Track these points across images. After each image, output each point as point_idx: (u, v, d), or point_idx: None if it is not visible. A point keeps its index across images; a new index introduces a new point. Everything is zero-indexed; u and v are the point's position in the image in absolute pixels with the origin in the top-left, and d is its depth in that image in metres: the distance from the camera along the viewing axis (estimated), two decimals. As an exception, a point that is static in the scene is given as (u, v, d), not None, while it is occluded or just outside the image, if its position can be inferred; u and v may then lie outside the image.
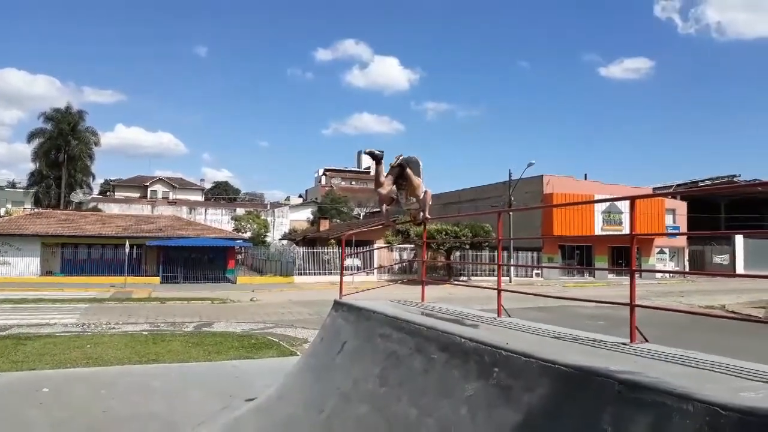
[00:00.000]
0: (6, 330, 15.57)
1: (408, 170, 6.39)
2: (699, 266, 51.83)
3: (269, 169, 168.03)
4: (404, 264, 40.58)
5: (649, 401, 3.06)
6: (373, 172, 6.59)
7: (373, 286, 14.17)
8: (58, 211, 45.74)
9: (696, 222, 49.62)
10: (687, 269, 51.16)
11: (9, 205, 62.56)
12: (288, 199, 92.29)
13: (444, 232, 38.95)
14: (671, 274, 46.68)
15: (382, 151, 6.53)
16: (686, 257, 52.24)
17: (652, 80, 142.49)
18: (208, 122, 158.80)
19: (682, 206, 51.40)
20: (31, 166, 60.73)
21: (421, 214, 6.57)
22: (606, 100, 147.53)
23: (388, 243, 40.63)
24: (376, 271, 38.99)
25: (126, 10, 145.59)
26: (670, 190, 51.99)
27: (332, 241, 41.91)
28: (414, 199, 6.56)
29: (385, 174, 6.55)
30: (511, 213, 38.25)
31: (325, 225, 50.40)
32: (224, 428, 6.77)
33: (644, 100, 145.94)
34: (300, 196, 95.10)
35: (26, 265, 37.22)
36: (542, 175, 44.94)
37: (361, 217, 64.87)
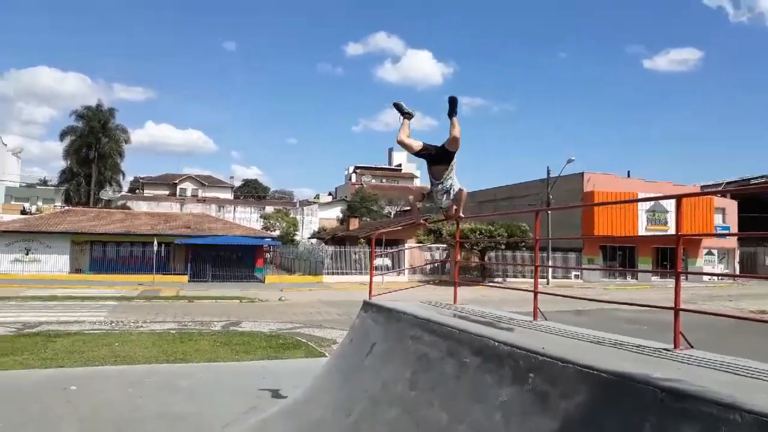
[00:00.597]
0: (36, 327, 16.03)
1: (453, 120, 6.16)
2: (751, 269, 50.52)
3: (299, 166, 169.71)
4: (436, 264, 40.31)
5: (693, 411, 2.99)
6: (402, 132, 6.27)
7: (404, 286, 14.17)
8: (88, 209, 46.91)
9: (748, 222, 48.30)
10: (737, 272, 49.79)
11: (40, 203, 64.37)
12: (317, 197, 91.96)
13: (478, 232, 38.76)
14: (719, 277, 45.64)
15: (413, 112, 6.38)
16: (737, 259, 50.97)
17: (700, 72, 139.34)
18: (237, 119, 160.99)
19: (732, 205, 50.17)
20: (63, 164, 62.50)
21: (454, 208, 6.47)
22: (651, 93, 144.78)
23: (420, 242, 40.62)
24: (406, 271, 38.87)
25: (155, 5, 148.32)
26: (720, 189, 50.79)
27: (362, 240, 42.04)
28: (446, 196, 6.39)
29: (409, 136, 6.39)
30: (549, 212, 37.55)
31: (354, 224, 50.56)
32: (251, 430, 6.84)
33: (692, 92, 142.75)
34: (329, 194, 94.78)
35: (56, 262, 38.26)
36: (583, 173, 44.31)
37: (392, 216, 64.43)
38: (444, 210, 6.52)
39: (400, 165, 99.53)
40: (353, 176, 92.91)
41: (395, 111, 6.42)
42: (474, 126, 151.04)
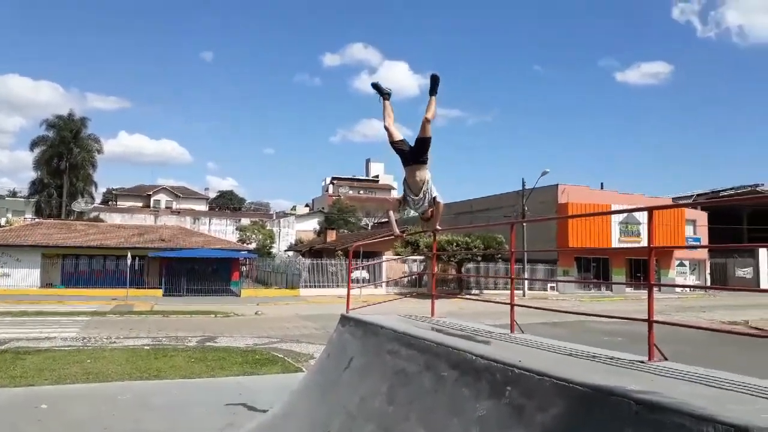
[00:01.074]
0: (5, 344, 15.66)
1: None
2: (721, 280, 51.40)
3: (275, 177, 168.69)
4: (414, 277, 40.19)
5: (668, 423, 3.03)
6: (388, 118, 6.25)
7: (382, 299, 14.16)
8: (59, 221, 46.09)
9: (718, 234, 49.13)
10: (708, 283, 50.66)
11: (9, 215, 63.06)
12: (294, 208, 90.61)
13: (455, 244, 38.71)
14: (692, 288, 46.12)
15: (390, 90, 6.33)
16: (707, 270, 51.80)
17: (671, 85, 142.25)
18: (213, 129, 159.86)
19: (702, 217, 51.08)
20: (33, 175, 61.20)
21: (430, 211, 6.34)
22: (623, 106, 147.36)
23: (397, 255, 40.36)
24: (384, 284, 38.69)
25: (130, 14, 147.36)
26: (690, 201, 51.68)
27: (339, 252, 41.85)
28: (421, 202, 6.28)
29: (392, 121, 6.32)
30: (524, 224, 37.74)
31: (332, 236, 50.46)
32: (227, 447, 6.74)
33: (663, 106, 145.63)
34: (306, 206, 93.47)
35: (26, 276, 37.49)
36: (557, 185, 44.78)
37: (369, 228, 64.15)
38: (420, 215, 6.45)
39: (377, 176, 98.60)
40: (330, 187, 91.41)
41: (375, 92, 6.36)
42: (449, 138, 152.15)
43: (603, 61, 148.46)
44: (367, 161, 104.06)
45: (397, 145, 6.17)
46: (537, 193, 42.06)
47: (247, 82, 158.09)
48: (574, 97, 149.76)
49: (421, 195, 6.23)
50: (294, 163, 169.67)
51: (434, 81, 6.09)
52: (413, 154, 6.07)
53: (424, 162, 6.12)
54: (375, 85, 6.34)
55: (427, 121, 5.97)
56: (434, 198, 6.27)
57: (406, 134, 6.22)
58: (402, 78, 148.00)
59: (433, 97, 6.06)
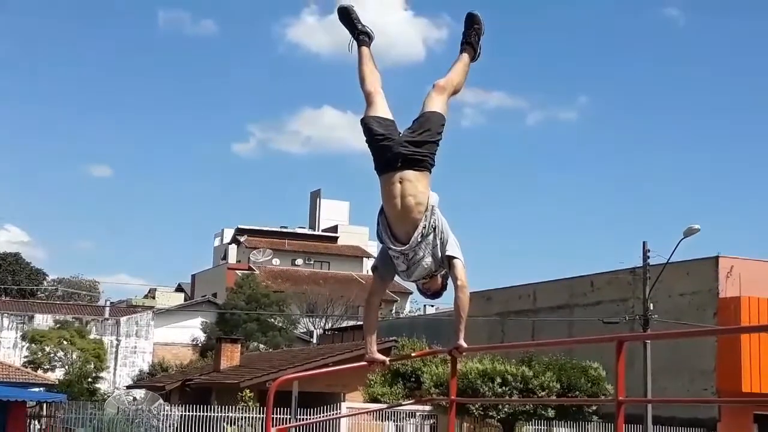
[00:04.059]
0: None
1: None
2: None
3: (113, 231, 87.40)
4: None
5: None
6: (366, 67, 3.99)
7: None
8: None
9: None
10: None
11: None
12: (152, 293, 53.88)
13: (498, 378, 22.93)
14: None
15: (371, 31, 3.99)
16: None
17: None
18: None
19: None
20: None
21: (441, 281, 3.82)
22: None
23: (375, 400, 24.71)
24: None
25: None
26: None
27: (248, 393, 24.46)
28: (423, 260, 3.69)
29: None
30: (647, 341, 22.34)
31: (232, 353, 28.48)
32: None
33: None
34: (179, 290, 55.22)
35: None
36: (717, 256, 27.26)
37: (315, 340, 39.70)
38: (420, 288, 3.95)
39: (334, 227, 55.50)
40: (231, 250, 52.53)
41: (343, 29, 4.08)
42: (490, 146, 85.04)
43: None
44: (314, 196, 58.03)
45: (377, 131, 3.74)
46: (674, 274, 25.30)
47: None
48: (728, 96, 78.85)
49: (416, 240, 3.66)
50: (154, 199, 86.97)
51: (472, 24, 4.03)
52: (405, 150, 3.67)
53: (426, 167, 3.74)
54: (343, 13, 4.05)
55: (440, 88, 3.88)
56: (448, 256, 3.71)
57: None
58: (395, 26, 76.71)
59: (466, 56, 3.99)
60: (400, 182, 3.56)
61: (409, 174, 3.57)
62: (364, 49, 3.97)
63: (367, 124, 3.72)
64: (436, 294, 3.92)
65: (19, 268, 48.11)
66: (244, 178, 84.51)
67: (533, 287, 32.90)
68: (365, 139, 3.77)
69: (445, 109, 3.83)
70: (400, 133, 3.77)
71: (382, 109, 3.80)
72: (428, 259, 3.64)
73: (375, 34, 4.03)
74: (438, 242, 3.60)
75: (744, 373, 24.53)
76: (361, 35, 3.99)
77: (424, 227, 3.57)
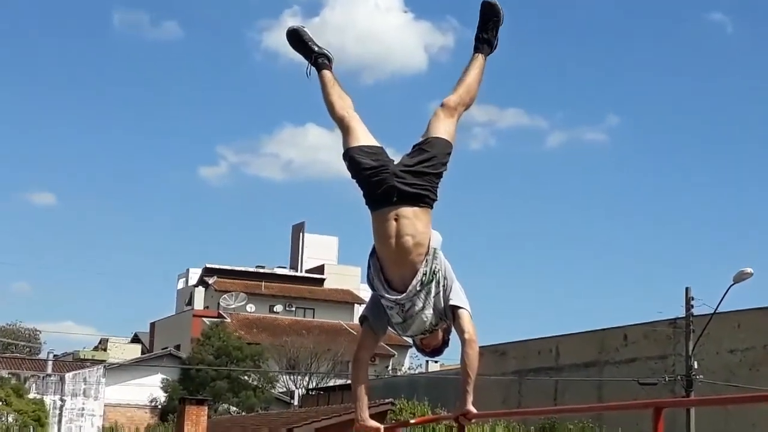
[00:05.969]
0: None
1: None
2: None
3: (58, 270, 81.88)
4: None
5: None
6: (333, 93, 3.73)
7: None
8: None
9: None
10: None
11: None
12: (104, 344, 47.97)
13: None
14: None
15: (329, 52, 3.77)
16: None
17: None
18: None
19: None
20: None
21: (440, 335, 3.60)
22: None
23: None
24: None
25: None
26: None
27: None
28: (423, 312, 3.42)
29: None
30: (692, 408, 19.57)
31: (197, 417, 25.72)
32: None
33: None
34: (136, 339, 50.23)
35: None
36: None
37: (297, 401, 35.98)
38: (418, 344, 3.73)
39: (320, 267, 50.40)
40: (197, 294, 47.35)
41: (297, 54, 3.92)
42: (503, 171, 76.28)
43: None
44: (297, 230, 52.40)
45: (366, 164, 3.49)
46: (722, 326, 23.26)
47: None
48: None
49: (414, 288, 3.40)
50: (107, 232, 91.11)
51: (490, 15, 3.73)
52: (401, 183, 3.41)
53: (427, 202, 3.46)
54: (294, 36, 3.86)
55: (449, 110, 3.59)
56: (452, 306, 3.43)
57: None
58: (392, 31, 72.16)
59: (482, 58, 3.72)
60: (396, 219, 3.31)
61: (407, 210, 3.32)
62: (326, 72, 3.73)
63: (352, 158, 3.41)
64: (436, 351, 3.72)
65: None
66: (213, 209, 71.65)
67: (555, 341, 30.28)
68: (351, 174, 3.47)
69: (453, 134, 3.57)
70: (393, 160, 3.50)
71: (363, 135, 3.52)
72: (428, 312, 3.38)
73: (334, 56, 3.85)
74: (440, 290, 3.33)
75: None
76: (320, 58, 3.76)
77: (424, 273, 3.31)
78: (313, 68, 3.71)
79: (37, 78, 68.18)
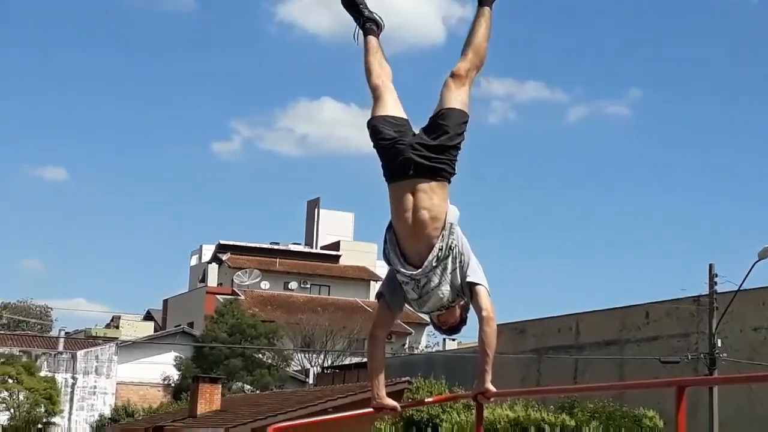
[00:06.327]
0: None
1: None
2: None
3: (66, 245, 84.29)
4: None
5: None
6: (373, 59, 3.73)
7: None
8: None
9: None
10: None
11: None
12: (116, 322, 47.63)
13: (532, 428, 20.92)
14: None
15: (380, 18, 3.77)
16: None
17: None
18: None
19: None
20: None
21: (458, 313, 3.55)
22: None
23: None
24: None
25: None
26: None
27: None
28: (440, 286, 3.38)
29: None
30: (715, 386, 19.96)
31: (211, 396, 26.53)
32: None
33: None
34: (149, 317, 49.82)
35: None
36: None
37: (312, 380, 36.01)
38: (435, 321, 3.69)
39: (336, 244, 49.21)
40: (211, 271, 46.09)
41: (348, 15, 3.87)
42: (518, 147, 77.42)
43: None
44: (312, 206, 51.63)
45: (387, 133, 3.49)
46: (747, 303, 22.93)
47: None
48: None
49: (430, 263, 3.37)
50: (119, 209, 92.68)
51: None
52: (418, 156, 3.39)
53: (444, 176, 3.44)
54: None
55: (460, 78, 3.56)
56: (470, 282, 3.41)
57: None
58: (408, 2, 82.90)
59: (487, 11, 3.65)
60: (413, 193, 3.32)
61: (424, 184, 3.34)
62: (372, 38, 3.78)
63: (374, 126, 3.45)
64: (453, 329, 3.71)
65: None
66: (226, 185, 71.60)
67: (576, 318, 30.14)
68: (372, 143, 3.51)
69: (467, 101, 3.53)
70: (414, 133, 3.51)
71: (392, 106, 3.56)
72: (444, 288, 3.39)
73: (384, 20, 3.85)
74: (457, 266, 3.33)
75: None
76: (368, 23, 3.80)
77: (440, 249, 3.30)
78: (361, 32, 3.77)
79: (48, 51, 67.27)
